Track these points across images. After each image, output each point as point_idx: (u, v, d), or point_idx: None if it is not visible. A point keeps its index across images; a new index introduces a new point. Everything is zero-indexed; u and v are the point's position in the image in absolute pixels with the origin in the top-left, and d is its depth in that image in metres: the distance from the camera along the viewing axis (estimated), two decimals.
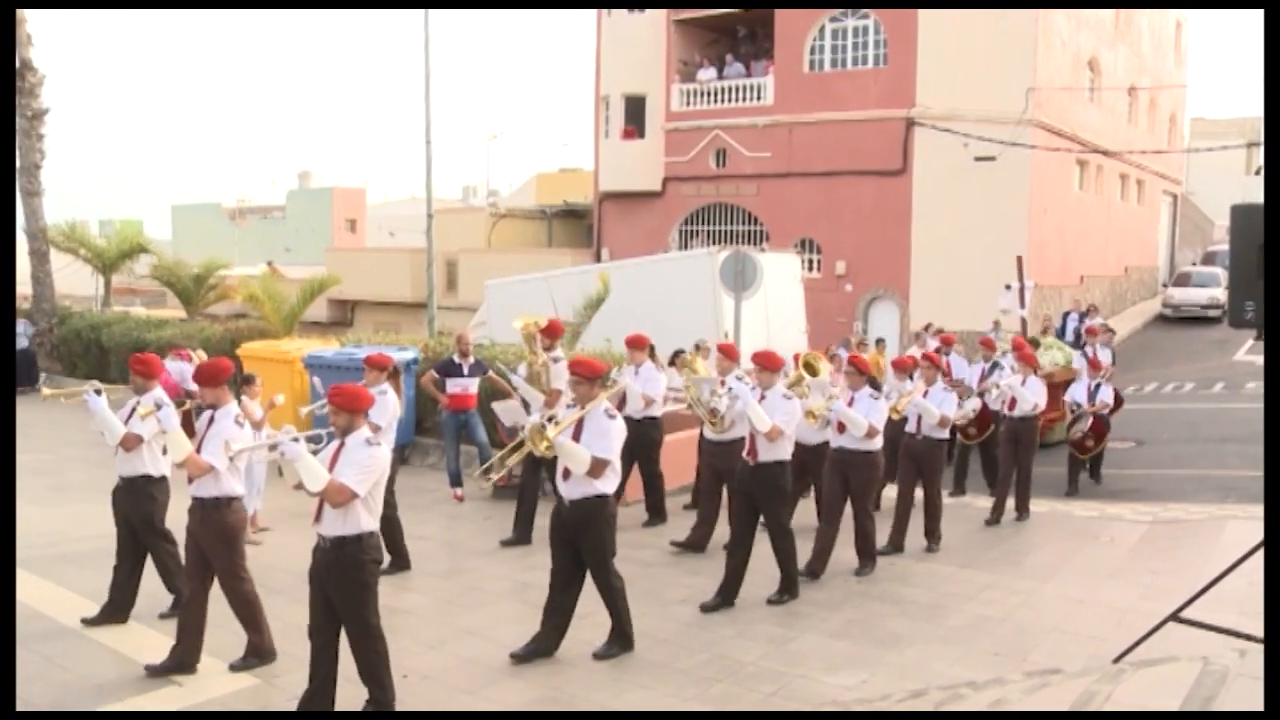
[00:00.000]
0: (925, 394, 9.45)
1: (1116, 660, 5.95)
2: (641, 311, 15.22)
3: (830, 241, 28.17)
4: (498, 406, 7.62)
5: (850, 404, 8.52)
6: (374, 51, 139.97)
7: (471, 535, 9.61)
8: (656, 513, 10.30)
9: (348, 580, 5.47)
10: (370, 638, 5.60)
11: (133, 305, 27.81)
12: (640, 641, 6.95)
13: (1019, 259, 19.65)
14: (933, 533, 9.54)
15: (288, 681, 6.24)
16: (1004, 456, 10.99)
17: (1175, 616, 5.77)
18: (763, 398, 7.79)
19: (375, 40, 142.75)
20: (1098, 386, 12.83)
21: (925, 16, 26.29)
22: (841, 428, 8.51)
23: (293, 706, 5.92)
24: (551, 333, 10.07)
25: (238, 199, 54.07)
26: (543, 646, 6.63)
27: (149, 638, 6.41)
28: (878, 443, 8.55)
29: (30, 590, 7.14)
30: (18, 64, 19.01)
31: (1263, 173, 5.76)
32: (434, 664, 6.54)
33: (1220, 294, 28.26)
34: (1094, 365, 13.26)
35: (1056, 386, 15.23)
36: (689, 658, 6.72)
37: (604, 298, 15.17)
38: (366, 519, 5.47)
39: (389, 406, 8.14)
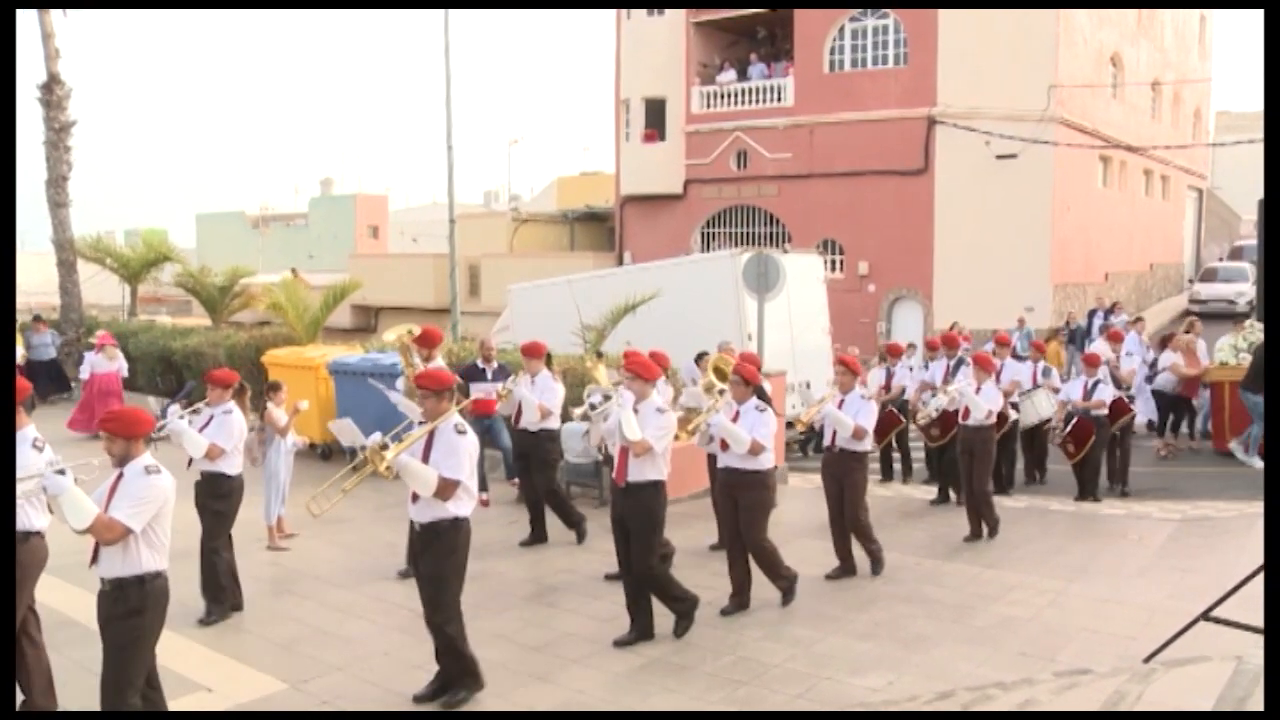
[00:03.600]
0: (840, 403, 8.54)
1: (1147, 660, 5.91)
2: (664, 314, 15.21)
3: (853, 242, 28.12)
4: (333, 426, 7.17)
5: (735, 418, 7.52)
6: (395, 58, 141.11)
7: (496, 539, 9.62)
8: (547, 532, 9.61)
9: (120, 626, 4.92)
10: (128, 692, 4.93)
11: (158, 314, 28.11)
12: (666, 644, 6.96)
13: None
14: (875, 557, 8.69)
15: (317, 686, 6.30)
16: (963, 470, 10.12)
17: (1207, 615, 5.71)
18: (635, 410, 6.95)
19: (396, 47, 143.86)
20: (1095, 385, 11.78)
21: (945, 14, 26.22)
22: (725, 445, 7.55)
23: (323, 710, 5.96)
24: (427, 341, 9.59)
25: (261, 207, 54.45)
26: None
27: (173, 643, 6.44)
28: (768, 460, 7.55)
29: (60, 596, 7.21)
30: (45, 78, 19.29)
31: (1263, 172, 5.71)
32: None
33: (1248, 289, 27.96)
34: (1090, 361, 12.09)
35: None
36: (715, 660, 6.71)
37: (638, 301, 15.09)
38: (150, 557, 4.92)
39: (234, 427, 7.59)
